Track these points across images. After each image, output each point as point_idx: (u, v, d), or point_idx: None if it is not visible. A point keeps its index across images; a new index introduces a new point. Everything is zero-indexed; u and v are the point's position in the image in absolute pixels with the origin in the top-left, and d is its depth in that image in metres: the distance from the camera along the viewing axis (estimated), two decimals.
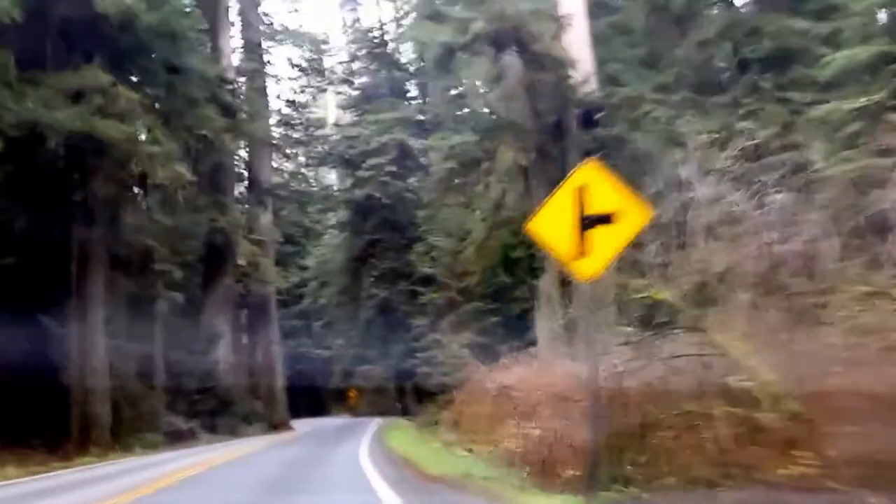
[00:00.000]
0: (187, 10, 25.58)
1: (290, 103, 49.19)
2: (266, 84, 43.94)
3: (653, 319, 8.01)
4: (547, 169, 25.68)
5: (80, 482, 13.76)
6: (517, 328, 25.16)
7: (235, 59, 40.71)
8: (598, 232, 6.85)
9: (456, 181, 37.25)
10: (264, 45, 44.59)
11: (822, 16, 18.24)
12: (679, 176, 9.64)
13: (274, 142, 44.46)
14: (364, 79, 54.29)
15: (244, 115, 34.53)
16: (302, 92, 49.93)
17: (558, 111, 25.08)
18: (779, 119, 16.69)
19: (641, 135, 20.49)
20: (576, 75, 23.30)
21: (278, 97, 49.02)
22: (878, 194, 8.60)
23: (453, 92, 44.19)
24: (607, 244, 6.91)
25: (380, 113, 47.96)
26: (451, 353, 26.77)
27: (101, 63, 19.00)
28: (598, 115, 24.27)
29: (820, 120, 15.82)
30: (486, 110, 32.87)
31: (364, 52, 54.26)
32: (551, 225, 7.07)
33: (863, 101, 12.80)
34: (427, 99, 51.08)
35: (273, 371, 40.13)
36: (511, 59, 24.44)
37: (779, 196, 8.62)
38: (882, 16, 18.75)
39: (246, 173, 42.99)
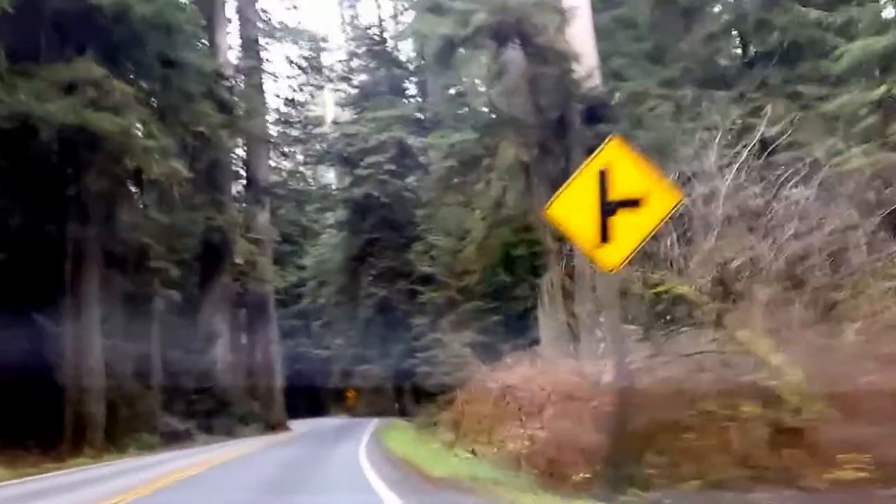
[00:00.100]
0: (182, 2, 25.15)
1: (289, 101, 48.84)
2: (263, 81, 43.59)
3: (669, 315, 7.62)
4: (549, 166, 25.32)
5: (70, 484, 13.37)
6: (518, 327, 24.91)
7: (233, 56, 40.41)
8: (623, 217, 6.36)
9: (455, 180, 37.00)
10: (262, 42, 44.25)
11: (834, 6, 17.87)
12: (692, 169, 9.28)
13: (272, 140, 44.08)
14: (363, 76, 53.90)
15: (241, 112, 34.13)
16: (300, 90, 49.55)
17: (561, 107, 24.67)
18: (789, 113, 16.34)
19: (644, 132, 20.12)
20: (579, 69, 22.89)
21: (276, 95, 48.71)
22: None
23: (453, 90, 43.91)
24: (632, 230, 6.41)
25: (378, 110, 47.57)
26: (452, 353, 26.46)
27: (95, 55, 18.58)
28: (603, 110, 23.98)
29: (832, 114, 15.49)
30: (486, 107, 32.49)
31: (363, 49, 53.85)
32: (572, 209, 6.58)
33: (881, 90, 12.45)
34: (426, 97, 50.70)
35: (271, 371, 39.76)
36: (513, 53, 24.05)
37: (797, 189, 8.24)
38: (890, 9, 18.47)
39: (243, 172, 42.61)
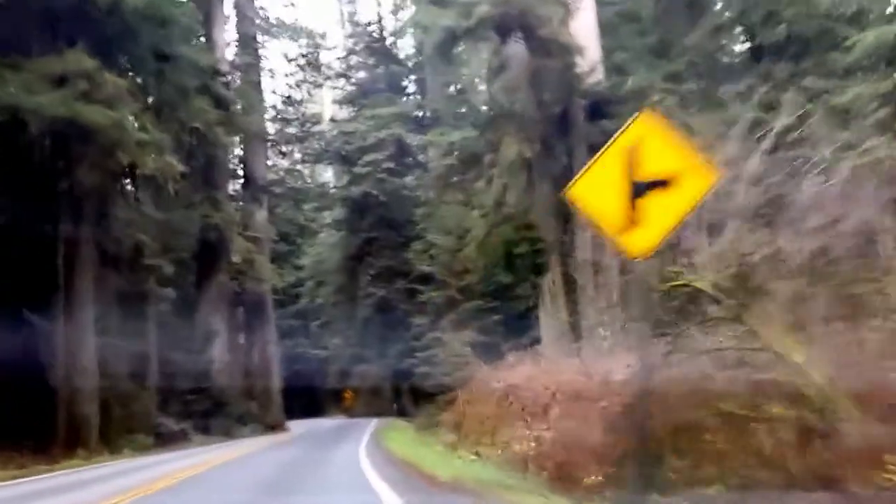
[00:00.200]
0: None
1: (286, 99, 48.47)
2: (261, 78, 43.21)
3: (686, 310, 7.22)
4: (551, 163, 24.99)
5: (63, 486, 12.98)
6: (518, 327, 24.60)
7: (230, 52, 40.02)
8: (653, 199, 5.84)
9: (455, 178, 36.69)
10: (260, 39, 43.90)
11: None
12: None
13: (269, 137, 43.72)
14: (361, 73, 53.52)
15: (238, 109, 33.76)
16: (298, 87, 49.19)
17: (564, 102, 24.35)
18: (798, 107, 15.95)
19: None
20: (583, 64, 22.54)
21: (273, 92, 48.36)
22: None
23: (453, 88, 43.59)
24: (663, 213, 5.86)
25: (377, 108, 47.21)
26: (453, 352, 26.10)
27: (87, 48, 18.14)
28: (606, 106, 23.63)
29: (842, 107, 15.11)
30: (487, 104, 32.16)
31: (361, 45, 53.45)
32: (596, 190, 6.02)
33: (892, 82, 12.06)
34: (425, 95, 50.31)
35: (269, 371, 39.43)
36: (515, 47, 23.70)
37: (819, 181, 7.83)
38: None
39: (241, 171, 42.27)
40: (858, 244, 7.02)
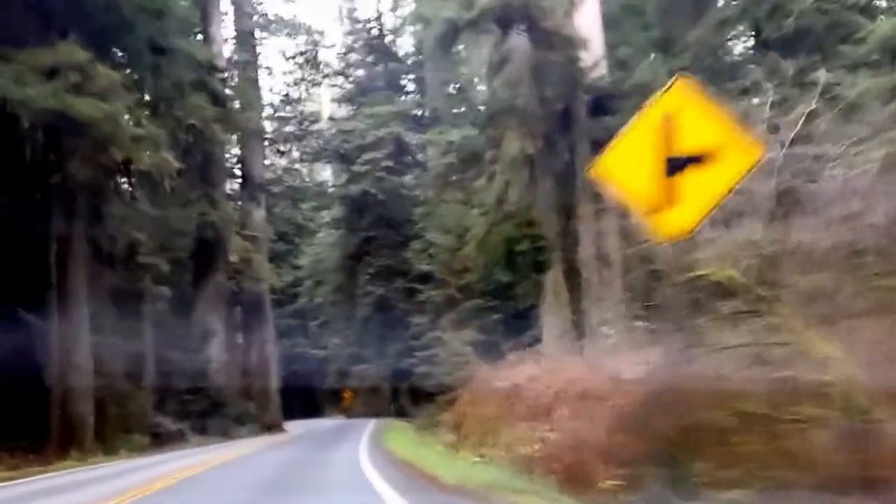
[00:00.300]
0: None
1: (284, 97, 48.16)
2: (258, 76, 42.88)
3: (702, 305, 6.86)
4: (553, 160, 24.69)
5: (55, 488, 12.61)
6: (519, 325, 24.26)
7: (228, 49, 39.69)
8: (690, 176, 5.34)
9: (454, 177, 36.41)
10: (258, 35, 43.57)
11: None
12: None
13: (267, 136, 43.38)
14: (360, 71, 53.21)
15: (236, 106, 33.42)
16: (296, 85, 48.89)
17: (566, 98, 24.06)
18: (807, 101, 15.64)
19: None
20: (586, 58, 22.21)
21: (270, 90, 48.02)
22: None
23: (452, 87, 43.28)
24: (701, 192, 5.36)
25: (376, 106, 46.90)
26: (453, 351, 25.81)
27: (81, 40, 17.74)
28: (609, 102, 23.31)
29: (852, 101, 14.79)
30: (487, 101, 31.80)
31: (360, 43, 53.12)
32: (627, 166, 5.50)
33: None
34: (425, 93, 49.99)
35: (267, 371, 39.10)
36: (517, 42, 23.38)
37: (841, 171, 7.50)
38: None
39: (239, 170, 41.95)
40: (887, 236, 6.67)
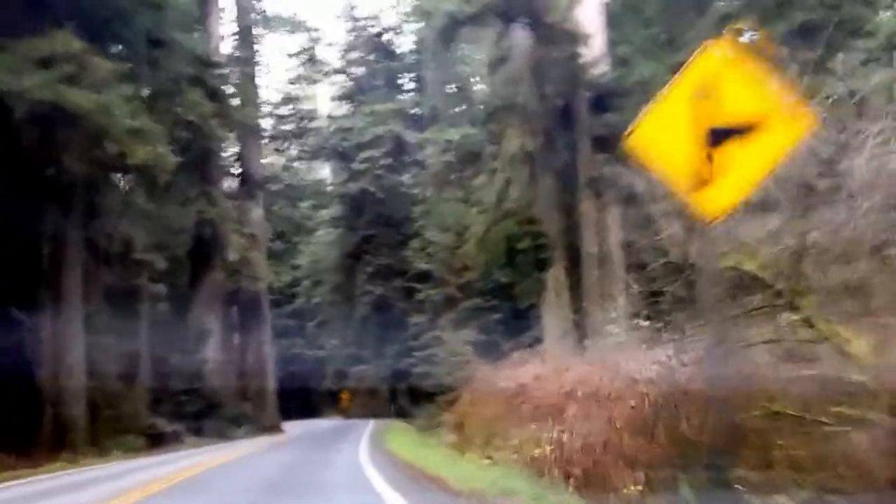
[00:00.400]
0: None
1: (283, 95, 47.83)
2: (256, 73, 42.54)
3: (729, 298, 6.49)
4: (553, 157, 24.41)
5: (42, 493, 12.21)
6: (519, 325, 23.98)
7: (227, 46, 39.42)
8: (734, 148, 4.90)
9: (453, 176, 36.14)
10: (257, 32, 43.24)
11: None
12: None
13: (265, 133, 43.04)
14: (359, 69, 52.91)
15: (234, 102, 33.06)
16: (295, 82, 48.56)
17: (567, 95, 23.77)
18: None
19: None
20: (587, 53, 21.90)
21: (268, 87, 47.69)
22: None
23: (451, 86, 43.04)
24: (748, 165, 4.93)
25: (375, 104, 46.61)
26: (453, 351, 25.49)
27: (76, 30, 17.33)
28: (610, 99, 23.01)
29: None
30: (488, 97, 31.55)
31: (360, 41, 52.82)
32: (661, 137, 5.07)
33: None
34: (424, 92, 49.68)
35: (264, 372, 38.74)
36: (518, 38, 23.11)
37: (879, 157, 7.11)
38: None
39: (236, 169, 41.57)
40: None
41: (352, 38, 53.85)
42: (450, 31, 21.34)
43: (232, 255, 34.54)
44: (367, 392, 49.72)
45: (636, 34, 24.54)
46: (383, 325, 43.74)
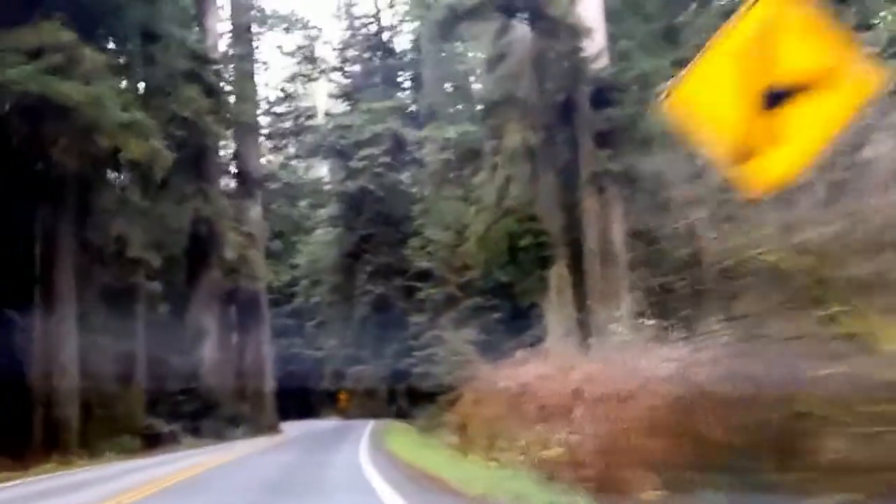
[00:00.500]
0: None
1: (281, 92, 47.53)
2: (254, 70, 42.18)
3: (752, 291, 6.12)
4: (554, 152, 24.10)
5: (29, 496, 11.82)
6: (521, 324, 23.66)
7: (224, 42, 39.06)
8: (794, 109, 4.31)
9: (452, 174, 35.82)
10: (255, 29, 42.90)
11: None
12: None
13: (262, 131, 42.69)
14: (357, 67, 52.62)
15: (230, 99, 32.69)
16: (293, 80, 48.24)
17: (568, 89, 23.46)
18: None
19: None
20: (588, 48, 21.57)
21: (266, 85, 47.37)
22: None
23: (449, 84, 42.77)
24: (810, 128, 4.33)
25: (373, 102, 46.29)
26: (454, 350, 25.10)
27: (69, 22, 16.91)
28: (611, 93, 22.73)
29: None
30: (488, 92, 31.21)
31: (358, 39, 52.53)
32: (708, 96, 4.50)
33: None
34: (422, 90, 49.36)
35: (262, 372, 38.39)
36: (518, 33, 22.80)
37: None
38: None
39: (234, 167, 41.21)
40: None
41: (349, 35, 53.60)
42: (449, 25, 21.00)
43: (230, 254, 34.17)
44: (365, 392, 49.40)
45: (637, 29, 24.26)
46: (383, 324, 43.39)
